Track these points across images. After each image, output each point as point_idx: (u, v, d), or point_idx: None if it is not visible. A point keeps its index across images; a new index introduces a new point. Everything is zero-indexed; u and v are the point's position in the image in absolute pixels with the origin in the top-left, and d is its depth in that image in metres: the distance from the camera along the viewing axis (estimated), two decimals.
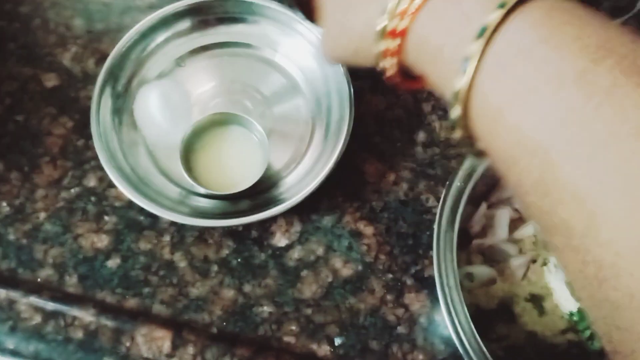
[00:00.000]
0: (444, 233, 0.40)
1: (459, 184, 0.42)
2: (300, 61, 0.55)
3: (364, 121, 0.55)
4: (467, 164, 0.43)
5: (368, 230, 0.51)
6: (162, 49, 0.55)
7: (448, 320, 0.37)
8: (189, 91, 0.54)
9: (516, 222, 0.46)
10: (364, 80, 0.56)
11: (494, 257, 0.45)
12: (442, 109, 0.55)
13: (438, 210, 0.42)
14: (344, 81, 0.52)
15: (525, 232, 0.44)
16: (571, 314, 0.41)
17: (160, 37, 0.54)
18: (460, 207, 0.41)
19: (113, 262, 0.49)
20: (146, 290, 0.48)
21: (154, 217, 0.50)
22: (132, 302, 0.48)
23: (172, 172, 0.51)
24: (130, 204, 0.50)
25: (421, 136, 0.54)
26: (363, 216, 0.51)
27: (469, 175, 0.42)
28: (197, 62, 0.56)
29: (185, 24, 0.55)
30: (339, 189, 0.52)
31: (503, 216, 0.44)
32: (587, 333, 0.41)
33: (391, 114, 0.55)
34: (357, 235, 0.51)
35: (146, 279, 0.49)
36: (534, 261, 0.44)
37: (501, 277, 0.44)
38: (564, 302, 0.42)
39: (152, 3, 0.59)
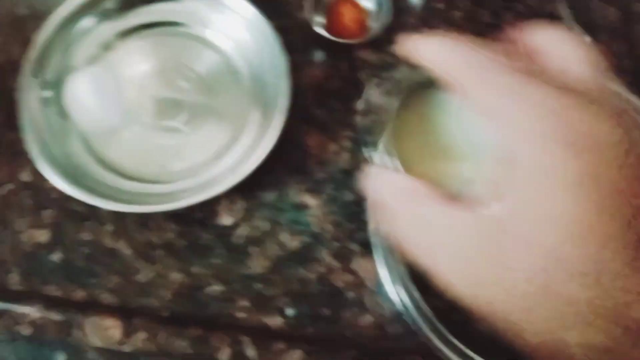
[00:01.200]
0: None
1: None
2: (233, 36, 0.54)
3: (303, 93, 0.55)
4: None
5: (313, 201, 0.51)
6: (89, 34, 0.53)
7: (384, 279, 0.38)
8: (120, 75, 0.53)
9: None
10: (301, 54, 0.56)
11: None
12: (377, 76, 0.56)
13: None
14: (279, 54, 0.51)
15: None
16: None
17: (86, 21, 0.53)
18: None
19: (56, 256, 0.48)
20: (92, 280, 0.47)
21: (94, 207, 0.49)
22: (79, 294, 0.47)
23: (108, 159, 0.50)
24: (68, 195, 0.49)
25: (360, 105, 0.55)
26: (308, 188, 0.52)
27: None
28: (126, 45, 0.54)
29: (110, 5, 0.53)
30: (282, 163, 0.52)
31: None
32: None
33: (329, 84, 0.55)
34: (302, 207, 0.51)
35: (91, 269, 0.48)
36: None
37: None
38: None
39: None
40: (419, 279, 0.45)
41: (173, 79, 0.53)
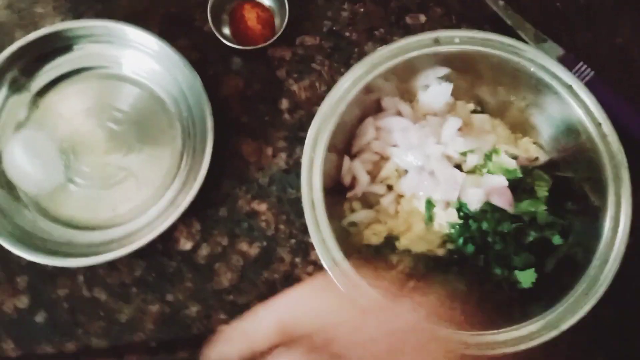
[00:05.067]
0: (307, 192, 0.44)
1: (312, 137, 0.46)
2: (145, 68, 0.56)
3: (228, 104, 0.57)
4: (316, 121, 0.46)
5: (262, 207, 0.54)
6: (5, 107, 0.55)
7: (330, 269, 0.42)
8: (51, 131, 0.55)
9: (380, 162, 0.50)
10: (216, 65, 0.57)
11: (369, 200, 0.49)
12: (296, 71, 0.57)
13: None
14: (192, 76, 0.53)
15: (388, 169, 0.49)
16: (442, 226, 0.47)
17: None
18: (316, 163, 0.45)
19: (40, 317, 0.52)
20: (79, 330, 0.51)
21: None
22: (70, 346, 0.51)
23: (62, 216, 0.53)
24: None
25: (285, 103, 0.57)
26: (254, 195, 0.55)
27: (317, 133, 0.46)
28: (49, 99, 0.55)
29: (14, 74, 0.54)
30: (225, 177, 0.55)
31: (357, 166, 0.49)
32: (461, 240, 0.46)
33: (251, 90, 0.57)
34: (253, 215, 0.54)
35: (75, 320, 0.52)
36: (401, 196, 0.48)
37: (380, 214, 0.49)
38: (438, 220, 0.47)
39: None
40: (375, 258, 0.49)
41: (102, 123, 0.55)
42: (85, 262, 0.50)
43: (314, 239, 0.44)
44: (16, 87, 0.55)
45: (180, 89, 0.55)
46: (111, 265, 0.53)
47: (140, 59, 0.56)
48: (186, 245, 0.53)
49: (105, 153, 0.54)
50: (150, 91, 0.56)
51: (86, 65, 0.56)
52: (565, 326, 0.41)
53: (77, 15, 0.59)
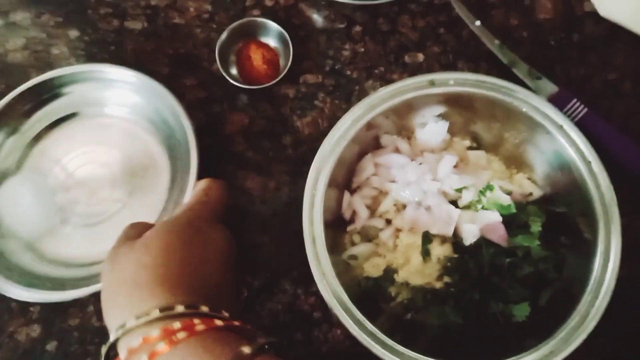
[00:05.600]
0: (309, 228, 0.46)
1: (313, 175, 0.47)
2: (129, 102, 0.58)
3: (234, 140, 0.59)
4: (316, 160, 0.48)
5: (265, 239, 0.56)
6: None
7: (330, 302, 0.44)
8: (44, 174, 0.57)
9: (379, 197, 0.52)
10: (222, 103, 0.60)
11: (369, 234, 0.51)
12: (299, 108, 0.60)
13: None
14: (171, 100, 0.55)
15: (387, 204, 0.51)
16: (439, 260, 0.49)
17: None
18: (317, 200, 0.47)
19: (51, 346, 0.54)
20: (89, 359, 0.53)
21: None
22: None
23: (60, 258, 0.55)
24: None
25: (288, 139, 0.59)
26: (257, 228, 0.57)
27: (318, 172, 0.48)
28: (41, 144, 0.58)
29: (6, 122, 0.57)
30: (229, 210, 0.57)
31: (357, 201, 0.50)
32: (457, 275, 0.48)
33: (256, 126, 0.60)
34: (256, 247, 0.56)
35: (85, 350, 0.53)
36: (399, 230, 0.50)
37: (379, 248, 0.51)
38: (435, 253, 0.49)
39: None
40: (375, 290, 0.50)
41: (95, 157, 0.57)
42: (84, 292, 0.51)
43: (315, 273, 0.45)
44: (10, 134, 0.57)
45: (161, 116, 0.57)
46: None
47: (122, 95, 0.58)
48: None
49: (98, 190, 0.56)
50: (136, 124, 0.58)
51: (74, 110, 0.59)
52: (558, 359, 0.42)
53: (90, 57, 0.62)
